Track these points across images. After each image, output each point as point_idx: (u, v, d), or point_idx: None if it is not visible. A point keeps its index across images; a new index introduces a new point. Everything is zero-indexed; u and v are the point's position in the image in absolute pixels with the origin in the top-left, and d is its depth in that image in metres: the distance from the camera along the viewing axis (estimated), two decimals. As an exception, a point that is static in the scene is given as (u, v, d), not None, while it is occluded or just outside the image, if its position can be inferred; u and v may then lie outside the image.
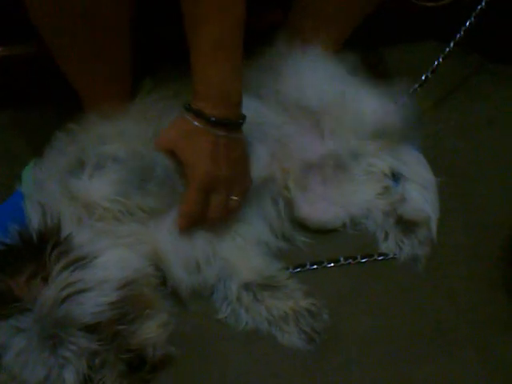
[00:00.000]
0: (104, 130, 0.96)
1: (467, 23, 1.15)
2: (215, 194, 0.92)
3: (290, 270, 1.02)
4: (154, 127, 0.96)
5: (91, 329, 0.80)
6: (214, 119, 0.86)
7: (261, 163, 1.00)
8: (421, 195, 1.10)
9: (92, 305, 0.79)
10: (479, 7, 1.14)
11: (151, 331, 0.85)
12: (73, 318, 0.78)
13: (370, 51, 1.42)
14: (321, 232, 1.07)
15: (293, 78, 1.04)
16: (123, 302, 0.82)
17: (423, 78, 1.18)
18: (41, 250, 0.82)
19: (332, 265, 1.04)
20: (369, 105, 1.05)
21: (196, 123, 0.87)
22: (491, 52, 1.43)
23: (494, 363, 0.91)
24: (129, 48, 1.01)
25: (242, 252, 0.98)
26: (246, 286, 0.95)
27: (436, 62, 1.17)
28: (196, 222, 0.93)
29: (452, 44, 1.16)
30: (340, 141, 1.06)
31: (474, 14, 1.14)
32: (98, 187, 0.88)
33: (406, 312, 0.97)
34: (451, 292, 1.00)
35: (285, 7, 1.19)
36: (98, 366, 0.80)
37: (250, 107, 0.95)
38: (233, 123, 0.89)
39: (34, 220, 0.87)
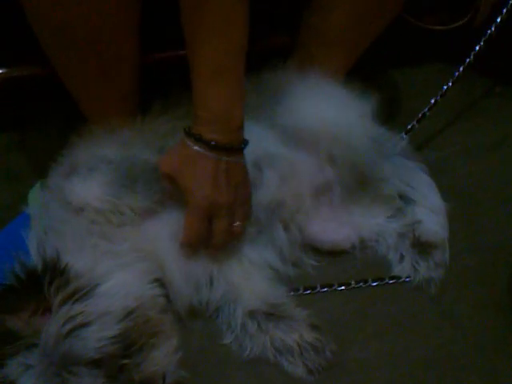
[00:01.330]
0: (104, 138, 0.96)
1: (477, 47, 1.15)
2: (217, 220, 0.91)
3: (301, 291, 1.02)
4: (159, 143, 0.97)
5: (96, 364, 0.78)
6: (214, 143, 0.86)
7: (270, 188, 1.00)
8: (431, 219, 1.09)
9: (94, 339, 0.78)
10: (488, 32, 1.14)
11: (158, 362, 0.83)
12: (76, 353, 0.77)
13: (377, 74, 1.42)
14: (331, 254, 1.07)
15: (293, 106, 1.03)
16: (126, 333, 0.81)
17: (432, 101, 1.18)
18: (40, 284, 0.81)
19: (343, 288, 1.03)
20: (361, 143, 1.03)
21: (196, 148, 0.87)
22: (499, 75, 1.44)
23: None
24: (136, 68, 1.01)
25: (248, 275, 0.98)
26: (251, 314, 0.94)
27: (445, 87, 1.17)
28: (198, 248, 0.93)
29: (461, 68, 1.16)
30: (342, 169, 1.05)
31: (483, 39, 1.14)
32: (90, 188, 0.89)
33: (412, 337, 0.96)
34: (457, 317, 0.99)
35: (292, 32, 1.19)
36: None
37: (254, 132, 0.94)
38: (234, 148, 0.88)
39: (33, 252, 0.86)
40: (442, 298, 1.02)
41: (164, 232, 0.93)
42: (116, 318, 0.81)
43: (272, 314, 0.94)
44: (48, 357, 0.77)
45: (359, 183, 1.06)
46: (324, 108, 1.03)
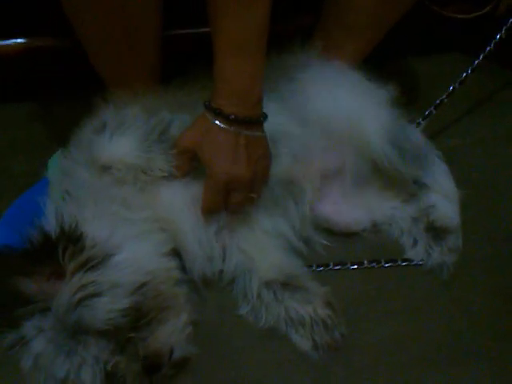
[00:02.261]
0: (129, 100, 0.97)
1: (497, 36, 1.14)
2: (234, 193, 0.92)
3: (314, 267, 1.02)
4: (183, 100, 0.98)
5: (103, 335, 0.79)
6: (233, 117, 0.87)
7: (283, 164, 1.00)
8: (445, 205, 1.10)
9: (104, 311, 0.79)
10: (511, 20, 1.14)
11: (166, 337, 0.84)
12: (85, 323, 0.78)
13: (397, 61, 1.42)
14: (343, 235, 1.08)
15: (311, 91, 1.03)
16: (135, 307, 0.81)
17: (451, 88, 1.18)
18: (55, 250, 0.82)
19: (355, 267, 1.04)
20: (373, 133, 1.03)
21: (216, 122, 0.87)
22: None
23: (507, 377, 0.90)
24: (158, 42, 1.02)
25: (263, 246, 0.98)
26: (267, 284, 0.95)
27: (464, 74, 1.17)
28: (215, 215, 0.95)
29: (481, 56, 1.15)
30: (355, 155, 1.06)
31: (505, 28, 1.14)
32: (120, 144, 0.90)
33: (421, 321, 0.97)
34: (468, 303, 0.99)
35: (314, 13, 1.19)
36: (112, 372, 0.80)
37: (270, 108, 0.95)
38: (253, 121, 0.89)
39: (50, 217, 0.87)
40: (454, 284, 1.02)
41: (181, 200, 0.94)
42: (127, 291, 0.81)
43: (288, 284, 0.95)
44: (60, 322, 0.78)
45: (373, 168, 1.07)
46: (340, 95, 1.04)
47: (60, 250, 0.81)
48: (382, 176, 1.09)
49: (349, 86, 1.06)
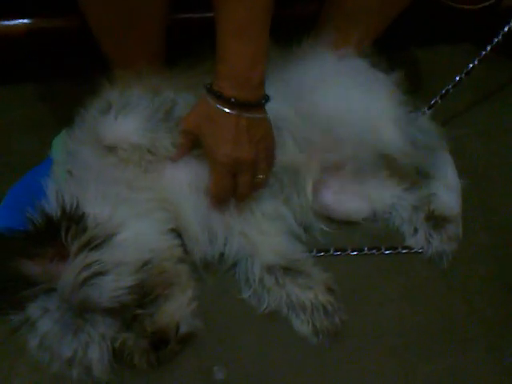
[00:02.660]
0: (134, 81, 0.97)
1: (506, 28, 1.14)
2: (240, 175, 0.93)
3: (314, 253, 1.03)
4: (188, 82, 0.98)
5: (110, 313, 0.80)
6: (233, 100, 0.86)
7: (286, 151, 1.00)
8: (446, 194, 1.10)
9: (109, 289, 0.80)
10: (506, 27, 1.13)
11: (171, 313, 0.85)
12: (91, 301, 0.79)
13: (403, 52, 1.42)
14: (344, 223, 1.08)
15: (313, 85, 1.03)
16: (141, 285, 0.82)
17: (457, 78, 1.17)
18: (58, 231, 0.82)
19: (355, 253, 1.05)
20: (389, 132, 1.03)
21: (217, 105, 0.87)
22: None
23: (503, 364, 0.91)
24: (163, 23, 1.02)
25: (265, 230, 0.99)
26: (269, 269, 0.95)
27: (471, 65, 1.16)
28: (225, 200, 0.95)
29: (489, 48, 1.15)
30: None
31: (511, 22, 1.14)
32: (125, 125, 0.90)
33: (419, 307, 0.98)
34: (466, 291, 1.01)
35: (319, 1, 1.18)
36: (120, 349, 0.82)
37: (277, 97, 0.94)
38: (253, 104, 0.88)
39: (52, 198, 0.87)
40: (453, 273, 1.03)
41: (185, 182, 0.94)
42: (131, 268, 0.82)
43: (290, 269, 0.95)
44: (66, 302, 0.79)
45: (375, 158, 1.06)
46: (349, 90, 1.03)
47: (63, 231, 0.81)
48: (384, 165, 1.09)
49: (357, 78, 1.05)
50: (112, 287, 0.80)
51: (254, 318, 0.95)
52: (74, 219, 0.83)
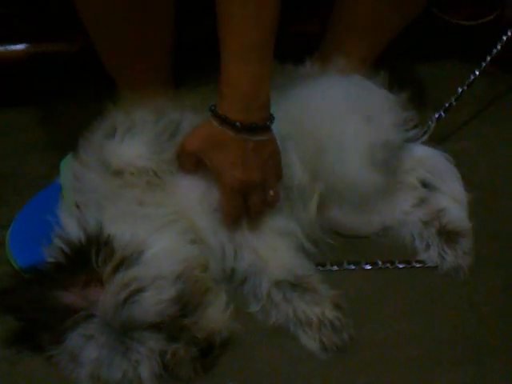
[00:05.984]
0: (139, 104, 0.98)
1: (504, 37, 1.16)
2: (252, 195, 0.93)
3: (328, 266, 1.03)
4: (192, 103, 0.98)
5: (156, 327, 0.81)
6: (238, 124, 0.86)
7: (293, 171, 1.01)
8: (455, 207, 1.10)
9: (152, 303, 0.80)
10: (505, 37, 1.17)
11: (215, 318, 0.86)
12: (136, 318, 0.79)
13: (403, 67, 1.43)
14: (353, 237, 1.09)
15: (314, 107, 1.03)
16: (181, 294, 0.83)
17: (459, 90, 1.18)
18: (87, 257, 0.82)
19: (369, 267, 1.04)
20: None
21: (222, 129, 0.87)
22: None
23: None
24: (169, 40, 1.03)
25: (275, 246, 0.98)
26: (277, 285, 0.95)
27: (472, 77, 1.18)
28: (238, 218, 0.95)
29: (488, 58, 1.17)
30: None
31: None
32: (131, 148, 0.90)
33: (430, 319, 0.97)
34: (476, 302, 1.00)
35: (323, 19, 1.20)
36: (170, 361, 0.81)
37: (283, 119, 0.96)
38: (259, 127, 0.88)
39: (72, 226, 0.88)
40: (463, 285, 1.02)
41: (195, 198, 0.94)
42: (169, 280, 0.83)
43: (297, 285, 0.95)
44: (108, 326, 0.79)
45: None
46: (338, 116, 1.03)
47: (93, 256, 0.82)
48: (392, 180, 1.09)
49: (358, 102, 1.06)
50: (154, 301, 0.81)
51: (267, 332, 0.94)
52: (101, 243, 0.84)
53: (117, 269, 0.81)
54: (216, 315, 0.86)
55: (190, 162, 0.93)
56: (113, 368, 0.79)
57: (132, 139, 0.91)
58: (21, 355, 0.87)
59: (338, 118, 1.03)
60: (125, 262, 0.82)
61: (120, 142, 0.90)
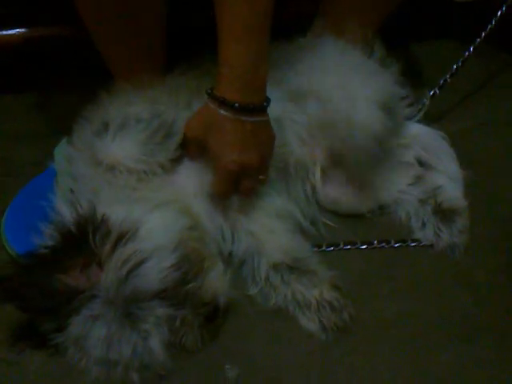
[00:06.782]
0: (133, 95, 0.97)
1: (498, 13, 1.16)
2: (245, 179, 0.93)
3: (324, 247, 1.03)
4: (186, 98, 0.98)
5: (162, 295, 0.82)
6: (237, 105, 0.86)
7: (291, 149, 1.01)
8: (451, 186, 1.10)
9: (155, 272, 0.81)
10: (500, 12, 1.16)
11: (217, 280, 0.87)
12: (141, 290, 0.80)
13: (398, 47, 1.43)
14: (350, 217, 1.09)
15: (314, 79, 1.03)
16: (182, 261, 0.84)
17: (454, 67, 1.18)
18: (83, 240, 0.83)
19: (365, 247, 1.04)
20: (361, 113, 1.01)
21: (221, 111, 0.87)
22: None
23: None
24: (161, 23, 1.03)
25: (271, 228, 0.99)
26: (275, 267, 0.95)
27: (467, 53, 1.17)
28: (227, 197, 0.96)
29: (483, 34, 1.16)
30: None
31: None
32: (122, 148, 0.89)
33: (427, 298, 0.97)
34: (472, 282, 1.00)
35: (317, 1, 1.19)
36: (178, 328, 0.83)
37: (279, 96, 0.96)
38: (257, 108, 0.89)
39: (63, 207, 0.88)
40: (459, 265, 1.02)
41: (190, 187, 0.95)
42: (169, 249, 0.84)
43: (295, 268, 0.95)
44: (112, 303, 0.80)
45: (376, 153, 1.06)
46: (337, 80, 1.03)
47: (90, 237, 0.82)
48: (388, 158, 1.09)
49: (354, 68, 1.06)
50: (157, 270, 0.81)
51: (265, 314, 0.94)
52: (97, 223, 0.84)
53: (115, 246, 0.82)
54: (217, 279, 0.88)
55: (193, 147, 0.93)
56: (122, 343, 0.79)
57: (124, 139, 0.89)
58: (21, 356, 0.87)
59: (343, 73, 1.03)
60: (122, 239, 0.82)
61: (111, 141, 0.89)
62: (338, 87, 1.01)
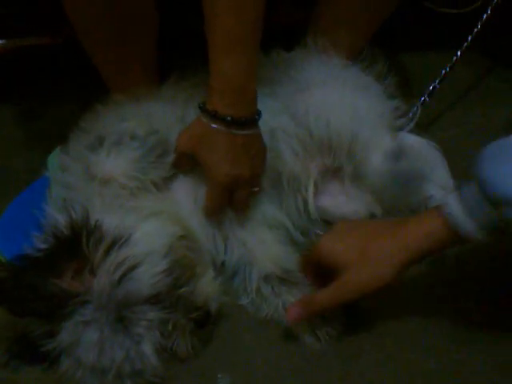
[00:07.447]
0: (128, 109, 0.98)
1: (484, 16, 1.18)
2: (238, 191, 0.94)
3: None
4: (180, 112, 0.98)
5: (154, 300, 0.82)
6: (229, 119, 0.87)
7: (284, 161, 1.02)
8: (442, 196, 1.09)
9: (148, 277, 0.82)
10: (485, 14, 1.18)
11: (208, 286, 0.88)
12: (133, 294, 0.81)
13: (388, 56, 1.43)
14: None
15: (306, 91, 1.05)
16: (174, 267, 0.85)
17: (443, 72, 1.19)
18: (76, 244, 0.83)
19: None
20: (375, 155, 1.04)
21: (213, 125, 0.88)
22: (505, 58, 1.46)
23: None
24: (154, 34, 1.04)
25: (263, 239, 0.99)
26: (266, 278, 0.95)
27: (454, 58, 1.19)
28: (220, 212, 0.96)
29: (470, 38, 1.18)
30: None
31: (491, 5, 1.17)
32: (116, 164, 0.89)
33: (418, 307, 0.98)
34: (463, 290, 1.00)
35: (308, 7, 1.20)
36: (170, 332, 0.83)
37: (268, 105, 0.97)
38: (249, 121, 0.89)
39: (59, 216, 0.88)
40: (449, 273, 1.03)
41: (183, 196, 0.96)
42: (160, 254, 0.85)
43: (285, 279, 0.95)
44: (104, 308, 0.80)
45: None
46: (335, 97, 1.05)
47: (83, 241, 0.83)
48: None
49: (349, 83, 1.07)
50: (149, 275, 0.82)
51: (257, 323, 0.94)
52: (90, 228, 0.84)
53: (108, 251, 0.82)
54: (209, 284, 0.89)
55: (184, 161, 0.94)
56: (115, 348, 0.79)
57: (118, 155, 0.90)
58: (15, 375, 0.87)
59: (344, 89, 1.05)
60: (115, 245, 0.83)
61: (106, 156, 0.90)
62: (341, 105, 1.03)
